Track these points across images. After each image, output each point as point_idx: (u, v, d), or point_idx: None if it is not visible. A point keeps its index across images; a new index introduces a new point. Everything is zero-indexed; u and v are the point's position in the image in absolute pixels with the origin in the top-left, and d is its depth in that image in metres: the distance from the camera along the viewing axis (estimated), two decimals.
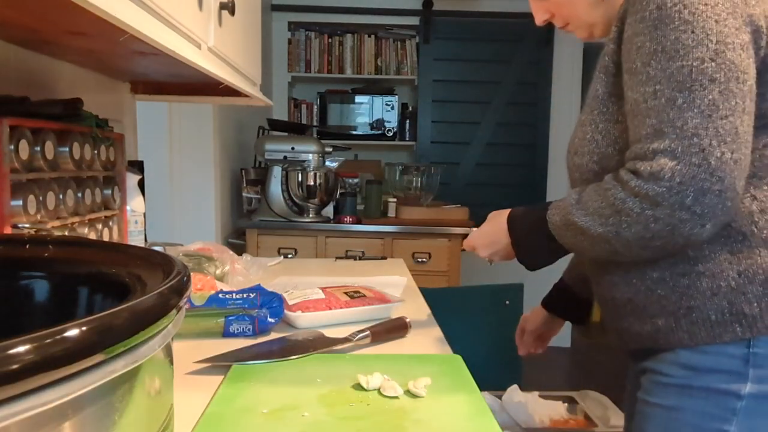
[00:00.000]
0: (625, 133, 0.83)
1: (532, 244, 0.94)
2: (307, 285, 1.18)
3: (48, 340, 0.27)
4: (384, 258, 2.16)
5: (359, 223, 2.82)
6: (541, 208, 0.92)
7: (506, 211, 1.00)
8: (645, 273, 0.85)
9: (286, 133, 2.94)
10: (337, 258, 2.04)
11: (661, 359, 0.86)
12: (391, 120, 3.77)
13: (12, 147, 0.88)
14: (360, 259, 2.08)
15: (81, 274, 0.52)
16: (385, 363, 0.85)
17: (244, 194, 2.92)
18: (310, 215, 2.81)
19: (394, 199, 3.00)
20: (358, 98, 3.77)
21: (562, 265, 1.12)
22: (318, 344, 0.92)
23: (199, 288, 1.13)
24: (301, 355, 0.87)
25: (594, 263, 0.95)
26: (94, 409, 0.31)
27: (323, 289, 1.12)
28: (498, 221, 1.00)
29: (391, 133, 3.77)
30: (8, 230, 0.87)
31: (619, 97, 0.83)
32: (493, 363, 1.87)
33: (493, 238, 1.00)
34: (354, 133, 3.75)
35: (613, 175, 0.81)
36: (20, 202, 0.90)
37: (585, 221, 0.82)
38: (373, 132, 3.74)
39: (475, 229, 1.06)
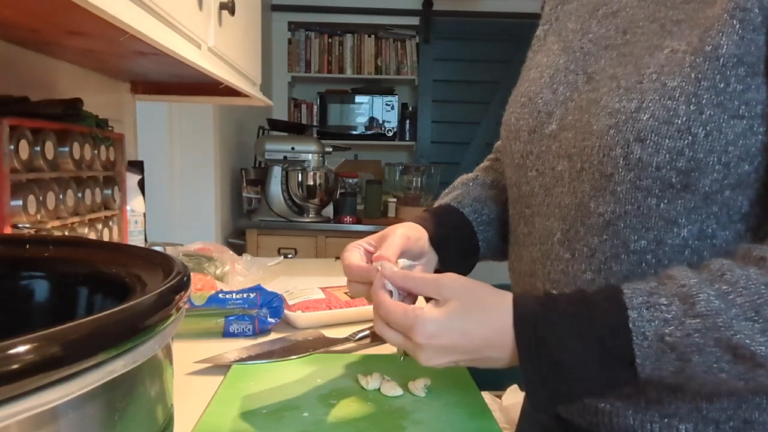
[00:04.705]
0: (747, 142, 0.52)
1: (574, 367, 0.53)
2: (307, 285, 1.18)
3: (48, 340, 0.27)
4: None
5: (359, 223, 2.82)
6: (593, 304, 0.53)
7: (499, 299, 0.56)
8: None
9: (286, 133, 2.95)
10: (337, 258, 2.04)
11: None
12: (391, 120, 3.77)
13: (12, 147, 0.88)
14: None
15: (81, 274, 0.52)
16: (385, 363, 0.85)
17: (244, 194, 2.92)
18: (310, 215, 2.81)
19: (394, 199, 3.00)
20: (358, 98, 3.77)
21: None
22: (318, 344, 0.92)
23: (199, 288, 1.13)
24: (301, 355, 0.87)
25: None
26: (94, 409, 0.32)
27: (323, 289, 1.12)
28: (490, 317, 0.56)
29: (391, 133, 3.77)
30: (8, 230, 0.87)
31: (753, 74, 0.51)
32: None
33: (475, 344, 0.56)
34: (354, 133, 3.75)
35: None
36: (20, 202, 0.90)
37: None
38: (370, 132, 3.74)
39: (429, 314, 0.55)
